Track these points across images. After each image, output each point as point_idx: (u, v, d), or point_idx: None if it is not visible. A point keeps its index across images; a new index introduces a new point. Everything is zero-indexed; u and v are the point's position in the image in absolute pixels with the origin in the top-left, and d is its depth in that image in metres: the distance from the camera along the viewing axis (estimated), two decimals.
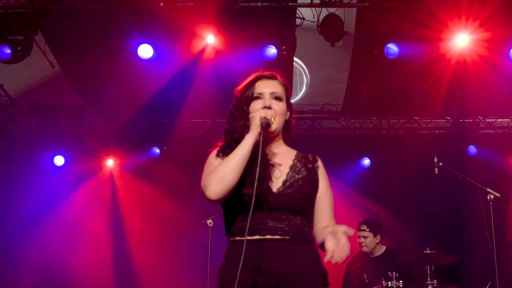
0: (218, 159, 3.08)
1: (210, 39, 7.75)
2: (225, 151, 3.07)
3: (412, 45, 8.00)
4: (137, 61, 7.96)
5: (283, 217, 2.97)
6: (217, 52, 7.88)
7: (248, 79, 3.25)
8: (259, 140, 2.97)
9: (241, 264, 2.79)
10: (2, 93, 9.43)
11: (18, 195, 9.50)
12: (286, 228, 2.95)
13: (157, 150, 9.86)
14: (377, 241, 7.56)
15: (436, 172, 6.88)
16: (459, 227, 9.20)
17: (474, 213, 6.75)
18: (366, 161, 10.03)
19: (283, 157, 3.14)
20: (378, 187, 9.64)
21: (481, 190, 6.45)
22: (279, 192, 2.99)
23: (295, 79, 10.90)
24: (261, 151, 2.97)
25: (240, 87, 3.25)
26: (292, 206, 2.98)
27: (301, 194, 3.01)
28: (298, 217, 3.00)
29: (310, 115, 10.17)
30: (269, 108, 3.08)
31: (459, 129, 9.86)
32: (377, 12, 7.82)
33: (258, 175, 2.92)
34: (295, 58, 10.23)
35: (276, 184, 3.02)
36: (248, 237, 2.91)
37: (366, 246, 7.51)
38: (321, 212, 3.12)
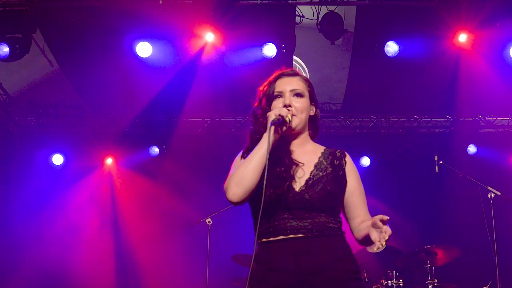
0: (243, 160, 3.03)
1: (209, 37, 7.73)
2: (249, 152, 3.01)
3: (412, 43, 7.99)
4: (136, 59, 7.95)
5: (306, 215, 2.93)
6: (217, 50, 7.85)
7: (270, 78, 3.19)
8: (277, 139, 2.93)
9: (251, 265, 2.82)
10: (1, 92, 9.39)
11: (16, 194, 9.43)
12: (310, 226, 2.93)
13: (156, 149, 9.82)
14: None
15: (437, 171, 6.86)
16: (459, 226, 9.16)
17: (475, 212, 6.72)
18: (366, 160, 9.99)
19: (309, 155, 3.10)
20: (378, 186, 9.58)
21: (481, 188, 6.42)
22: (301, 192, 2.95)
23: None
24: (286, 150, 3.00)
25: (262, 86, 3.19)
26: (314, 204, 2.94)
27: (324, 192, 2.96)
28: (322, 215, 2.96)
29: None
30: (289, 106, 3.04)
31: (459, 128, 9.80)
32: (376, 10, 7.81)
33: (278, 175, 2.94)
34: (294, 57, 10.21)
35: (299, 183, 2.98)
36: (272, 238, 2.94)
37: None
38: (354, 208, 3.09)
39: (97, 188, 9.95)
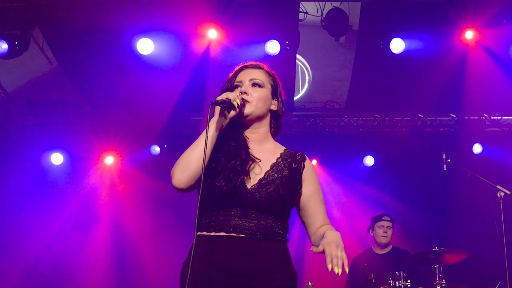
0: None
1: (211, 34, 7.62)
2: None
3: (418, 41, 7.90)
4: (137, 56, 7.85)
5: (253, 215, 2.87)
6: (219, 47, 7.75)
7: (234, 70, 3.23)
8: (224, 124, 2.93)
9: (191, 260, 2.76)
10: None
11: (15, 193, 9.36)
12: (254, 228, 2.85)
13: (158, 148, 9.75)
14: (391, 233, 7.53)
15: (445, 169, 6.76)
16: (468, 226, 9.07)
17: (483, 211, 6.62)
18: (370, 159, 9.90)
19: (267, 154, 3.05)
20: (382, 186, 9.52)
21: (490, 187, 6.31)
22: (253, 190, 2.88)
23: (298, 77, 10.76)
24: (243, 144, 2.97)
25: (226, 79, 3.22)
26: (264, 205, 2.87)
27: (276, 194, 2.89)
28: (270, 218, 2.89)
29: (313, 113, 10.02)
30: (244, 93, 3.02)
31: (464, 127, 9.70)
32: (382, 7, 7.71)
33: (233, 168, 2.87)
34: (297, 56, 10.10)
35: (252, 181, 2.91)
36: (214, 233, 2.86)
37: (387, 237, 7.48)
38: (312, 213, 3.07)
39: (97, 187, 9.88)
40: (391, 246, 7.63)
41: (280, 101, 3.17)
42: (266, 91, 3.09)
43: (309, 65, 11.03)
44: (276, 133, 3.20)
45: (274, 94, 3.15)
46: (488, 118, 9.80)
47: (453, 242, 7.58)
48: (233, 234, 2.84)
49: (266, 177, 2.93)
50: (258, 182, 2.91)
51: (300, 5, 7.82)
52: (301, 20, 7.89)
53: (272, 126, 3.16)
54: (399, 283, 6.30)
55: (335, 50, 10.29)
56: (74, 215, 9.64)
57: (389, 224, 7.49)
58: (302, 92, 11.04)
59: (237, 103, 2.91)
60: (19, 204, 9.35)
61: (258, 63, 3.28)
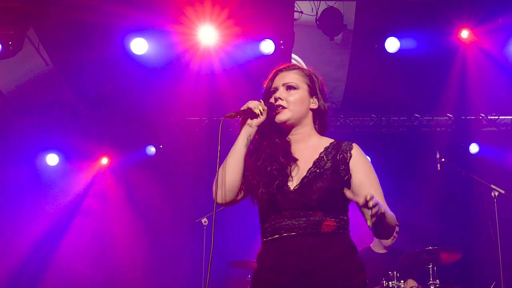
0: None
1: (206, 34, 7.59)
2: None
3: (413, 40, 7.87)
4: (132, 57, 7.83)
5: (301, 213, 2.86)
6: (214, 47, 7.72)
7: (269, 75, 3.18)
8: (252, 132, 3.00)
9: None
10: None
11: (10, 193, 9.38)
12: (304, 225, 2.85)
13: (153, 149, 9.74)
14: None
15: (439, 169, 6.75)
16: (462, 225, 9.04)
17: (478, 211, 6.60)
18: None
19: (310, 151, 3.02)
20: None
21: (485, 187, 6.28)
22: (295, 190, 2.89)
23: None
24: (282, 147, 3.00)
25: (264, 84, 3.19)
26: (309, 203, 2.86)
27: (320, 190, 2.87)
28: (318, 213, 2.86)
29: None
30: (279, 99, 3.02)
31: (461, 127, 9.67)
32: (377, 6, 7.69)
33: (270, 173, 2.91)
34: (294, 56, 10.07)
35: (295, 181, 2.92)
36: (270, 238, 2.91)
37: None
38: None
39: (93, 188, 9.88)
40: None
41: (321, 98, 3.14)
42: (302, 92, 3.07)
43: (305, 64, 11.00)
44: (323, 130, 3.17)
45: (313, 93, 3.11)
46: (485, 117, 9.79)
47: (448, 242, 7.53)
48: (285, 235, 2.86)
49: (308, 174, 2.92)
50: (300, 182, 2.90)
51: (295, 4, 7.79)
52: (296, 20, 7.85)
53: (316, 123, 3.14)
54: (392, 283, 6.28)
55: (332, 50, 10.25)
56: (68, 215, 9.66)
57: None
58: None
59: (259, 110, 2.94)
60: (14, 204, 9.37)
61: (292, 64, 3.23)
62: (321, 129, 3.16)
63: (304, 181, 2.90)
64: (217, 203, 2.94)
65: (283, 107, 3.01)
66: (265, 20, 7.64)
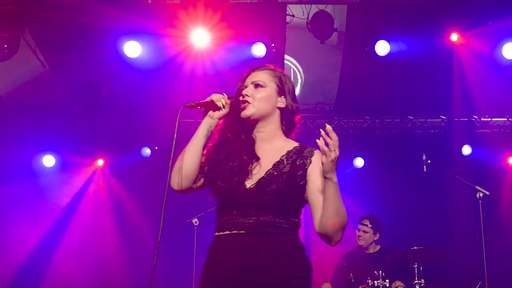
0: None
1: (198, 37, 7.66)
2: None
3: (406, 43, 7.93)
4: (126, 59, 7.91)
5: (253, 213, 2.92)
6: (206, 50, 7.80)
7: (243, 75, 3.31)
8: (213, 124, 3.10)
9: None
10: None
11: (6, 194, 9.43)
12: (253, 224, 2.91)
13: (148, 150, 9.79)
14: (375, 238, 7.56)
15: (425, 170, 6.82)
16: (449, 226, 9.16)
17: (464, 212, 6.67)
18: (360, 161, 9.94)
19: (272, 152, 3.09)
20: (372, 187, 9.55)
21: (470, 188, 6.35)
22: (251, 189, 2.95)
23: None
24: (247, 145, 3.07)
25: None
26: (262, 203, 2.93)
27: (275, 192, 2.93)
28: (270, 215, 2.93)
29: (303, 114, 10.05)
30: (246, 95, 3.12)
31: (454, 129, 9.73)
32: (368, 9, 7.75)
33: (231, 169, 2.97)
34: (289, 58, 10.14)
35: (252, 180, 2.98)
36: (221, 233, 2.98)
37: (363, 240, 7.51)
38: (318, 208, 2.97)
39: (89, 189, 9.94)
40: (379, 247, 7.68)
41: (289, 98, 3.21)
42: (269, 90, 3.16)
43: (301, 67, 11.07)
44: (289, 130, 3.22)
45: (281, 92, 3.20)
46: (478, 119, 9.84)
47: (433, 242, 7.60)
48: (234, 232, 2.93)
49: (265, 175, 2.98)
50: (257, 182, 2.97)
51: (287, 8, 7.87)
52: (288, 23, 7.93)
53: (283, 123, 3.20)
54: (377, 282, 6.35)
55: (327, 53, 10.32)
56: (64, 216, 9.72)
57: (365, 228, 7.51)
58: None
59: (221, 103, 3.04)
60: (10, 205, 9.42)
61: (265, 65, 3.32)
62: (288, 129, 3.22)
63: (260, 182, 2.96)
64: (173, 189, 3.04)
65: (248, 103, 3.11)
66: (257, 24, 7.72)
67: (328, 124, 8.86)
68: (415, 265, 6.52)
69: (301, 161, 3.04)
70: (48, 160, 9.74)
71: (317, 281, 7.69)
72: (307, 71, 10.89)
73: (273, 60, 8.02)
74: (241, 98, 3.14)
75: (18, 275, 9.24)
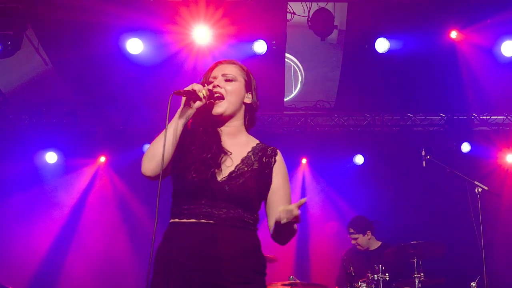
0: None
1: (200, 34, 7.70)
2: None
3: (406, 41, 7.96)
4: (129, 56, 7.95)
5: (223, 205, 2.98)
6: (208, 46, 7.84)
7: (209, 67, 3.33)
8: (191, 114, 3.05)
9: (152, 245, 2.88)
10: None
11: (9, 190, 9.47)
12: (223, 216, 2.98)
13: None
14: (368, 237, 7.61)
15: (424, 165, 6.85)
16: (448, 221, 9.21)
17: (463, 207, 6.71)
18: (360, 158, 9.98)
19: (239, 147, 3.16)
20: (372, 185, 9.60)
21: (469, 183, 6.40)
22: (222, 182, 3.01)
23: (290, 77, 10.84)
24: (215, 137, 3.09)
25: (202, 75, 3.33)
26: (233, 197, 2.99)
27: (244, 187, 3.01)
28: (239, 209, 3.01)
29: (303, 112, 10.12)
30: (218, 86, 3.15)
31: (453, 126, 9.76)
32: (368, 7, 7.79)
33: (204, 161, 3.01)
34: (289, 56, 10.19)
35: (223, 173, 3.03)
36: (185, 220, 2.99)
37: (360, 246, 7.60)
38: (275, 206, 3.10)
39: (91, 186, 9.96)
40: (380, 243, 7.75)
41: (254, 94, 3.28)
42: (238, 85, 3.20)
43: (301, 65, 11.11)
44: (250, 126, 3.30)
45: (248, 88, 3.25)
46: (477, 117, 9.88)
47: (432, 237, 7.65)
48: (203, 221, 2.95)
49: (236, 170, 3.05)
50: (228, 175, 3.03)
51: (288, 6, 7.91)
52: (288, 21, 7.97)
53: (246, 119, 3.26)
54: (377, 276, 6.40)
55: (327, 51, 10.36)
56: (67, 213, 9.76)
57: (354, 236, 7.66)
58: (294, 92, 11.13)
59: (202, 94, 3.03)
60: (13, 202, 9.45)
61: (232, 60, 3.36)
62: (250, 125, 3.30)
63: (232, 175, 3.03)
64: (144, 174, 3.03)
65: (221, 96, 3.12)
66: (258, 21, 7.76)
67: (327, 121, 8.85)
68: (414, 259, 6.57)
69: (267, 159, 3.15)
70: (50, 157, 9.76)
71: (319, 282, 7.78)
72: (307, 69, 10.93)
73: (274, 57, 8.15)
74: (210, 86, 3.15)
75: (18, 271, 9.22)
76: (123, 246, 9.77)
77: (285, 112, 9.98)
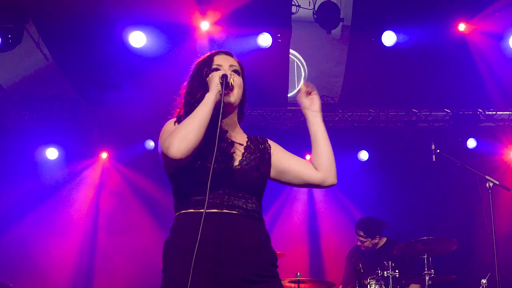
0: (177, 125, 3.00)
1: (204, 26, 7.62)
2: (182, 120, 2.97)
3: (411, 35, 7.88)
4: (131, 50, 7.85)
5: (240, 194, 2.94)
6: (211, 39, 7.75)
7: (206, 54, 3.27)
8: (220, 102, 2.93)
9: (199, 235, 2.71)
10: None
11: (9, 186, 9.37)
12: (244, 206, 2.93)
13: (152, 143, 9.75)
14: (376, 241, 7.53)
15: (434, 160, 6.74)
16: (458, 217, 9.11)
17: (473, 202, 6.62)
18: (364, 154, 9.90)
19: (238, 138, 3.14)
20: (376, 181, 9.52)
21: (479, 178, 6.30)
22: (238, 170, 2.96)
23: (293, 72, 10.76)
24: (221, 128, 2.94)
25: (196, 62, 3.26)
26: (249, 184, 2.97)
27: (258, 173, 3.01)
28: (253, 197, 2.99)
29: None
30: (232, 78, 3.04)
31: (459, 122, 9.67)
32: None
33: (222, 150, 2.93)
34: (292, 51, 10.08)
35: (235, 162, 2.99)
36: (201, 209, 2.85)
37: (364, 247, 7.52)
38: (299, 164, 3.14)
39: (92, 182, 9.89)
40: (385, 239, 7.66)
41: (245, 89, 3.22)
42: (241, 79, 3.15)
43: (305, 61, 11.03)
44: (241, 121, 3.26)
45: (244, 83, 3.20)
46: (483, 113, 9.79)
47: (443, 233, 7.56)
48: (225, 211, 2.89)
49: (245, 158, 3.03)
50: (239, 163, 2.99)
51: None
52: (293, 13, 7.88)
53: (239, 113, 3.22)
54: (387, 273, 6.30)
55: (331, 46, 10.28)
56: (68, 210, 9.68)
57: (361, 239, 7.58)
58: (298, 88, 11.04)
59: (231, 82, 2.97)
60: (13, 198, 9.36)
61: (229, 51, 3.31)
62: (241, 119, 3.24)
63: (243, 164, 3.00)
64: (173, 156, 2.81)
65: (232, 87, 3.03)
66: (263, 14, 7.68)
67: (331, 117, 8.79)
68: (424, 255, 6.46)
69: (262, 146, 3.17)
70: (51, 153, 9.69)
71: (324, 278, 7.69)
72: (310, 65, 10.85)
73: (278, 51, 8.05)
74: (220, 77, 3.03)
75: (18, 266, 9.17)
76: (123, 240, 9.65)
77: (288, 108, 9.87)
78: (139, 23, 7.66)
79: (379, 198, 9.23)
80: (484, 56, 8.19)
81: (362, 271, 6.32)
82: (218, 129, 2.86)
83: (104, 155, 9.91)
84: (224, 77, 2.94)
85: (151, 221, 9.66)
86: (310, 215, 9.84)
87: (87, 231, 9.71)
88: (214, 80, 2.96)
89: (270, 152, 3.16)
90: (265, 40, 7.69)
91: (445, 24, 7.83)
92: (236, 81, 3.05)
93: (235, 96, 3.05)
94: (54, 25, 7.90)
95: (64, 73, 8.92)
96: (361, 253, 7.48)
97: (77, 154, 9.80)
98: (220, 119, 2.87)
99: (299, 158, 3.19)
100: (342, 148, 9.72)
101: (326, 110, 10.00)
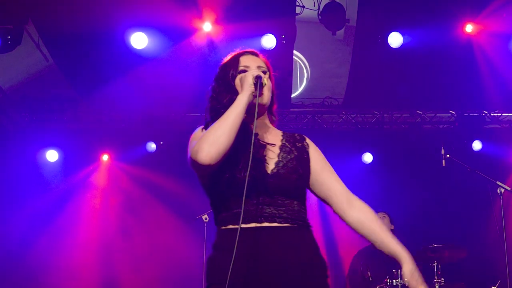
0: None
1: (207, 28, 7.51)
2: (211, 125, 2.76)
3: (416, 36, 7.80)
4: (132, 52, 7.75)
5: (279, 201, 2.72)
6: (215, 41, 7.64)
7: (232, 55, 3.07)
8: (248, 103, 2.74)
9: (234, 252, 2.52)
10: None
11: (10, 189, 9.32)
12: (285, 215, 2.71)
13: (153, 145, 9.66)
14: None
15: (444, 165, 6.62)
16: (467, 223, 9.00)
17: (483, 208, 6.51)
18: (369, 156, 9.80)
19: (272, 137, 2.92)
20: (381, 183, 9.41)
21: (490, 183, 6.19)
22: (274, 174, 2.74)
23: (296, 73, 10.67)
24: (251, 130, 2.74)
25: (223, 62, 3.06)
26: (289, 188, 2.75)
27: (297, 174, 2.78)
28: (295, 202, 2.77)
29: (311, 109, 9.92)
30: (264, 78, 2.86)
31: (464, 124, 9.56)
32: (379, 0, 7.61)
33: (253, 156, 2.66)
34: (296, 52, 9.99)
35: (270, 165, 2.76)
36: (244, 225, 2.65)
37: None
38: (331, 184, 2.92)
39: (93, 184, 9.84)
40: None
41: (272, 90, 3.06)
42: (269, 80, 2.98)
43: (307, 62, 10.94)
44: (274, 120, 3.08)
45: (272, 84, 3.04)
46: (488, 114, 9.70)
47: (452, 240, 7.45)
48: (265, 224, 2.69)
49: (281, 159, 2.80)
50: (275, 166, 2.77)
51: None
52: (298, 14, 7.77)
53: (268, 112, 3.04)
54: (396, 281, 6.18)
55: (334, 47, 10.20)
56: (68, 212, 9.59)
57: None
58: (300, 89, 10.95)
59: (264, 82, 2.82)
60: (13, 200, 9.30)
61: (255, 51, 3.12)
62: (273, 119, 3.07)
63: (279, 165, 2.78)
64: (202, 162, 2.62)
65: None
66: (267, 15, 7.57)
67: (335, 119, 8.69)
68: (434, 263, 6.35)
69: (300, 143, 2.94)
70: (52, 155, 9.61)
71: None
72: (313, 66, 10.76)
73: (283, 52, 7.93)
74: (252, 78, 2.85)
75: (18, 270, 9.09)
76: (124, 243, 9.61)
77: (291, 109, 9.77)
78: (141, 24, 7.55)
79: (383, 201, 9.10)
80: (489, 57, 8.12)
81: (370, 279, 6.21)
82: (253, 133, 2.68)
83: (105, 157, 9.84)
84: (258, 78, 2.76)
85: (154, 221, 9.60)
86: (310, 216, 9.74)
87: (87, 231, 9.63)
88: (248, 81, 2.77)
89: (308, 151, 2.93)
90: (269, 41, 7.58)
91: (450, 25, 7.74)
92: (266, 82, 2.88)
93: (267, 97, 2.88)
94: (54, 26, 7.80)
95: (64, 74, 8.82)
96: (369, 259, 7.35)
97: (77, 156, 9.72)
98: (255, 122, 2.71)
99: (339, 179, 2.98)
100: (346, 150, 9.64)
101: (330, 111, 9.91)
